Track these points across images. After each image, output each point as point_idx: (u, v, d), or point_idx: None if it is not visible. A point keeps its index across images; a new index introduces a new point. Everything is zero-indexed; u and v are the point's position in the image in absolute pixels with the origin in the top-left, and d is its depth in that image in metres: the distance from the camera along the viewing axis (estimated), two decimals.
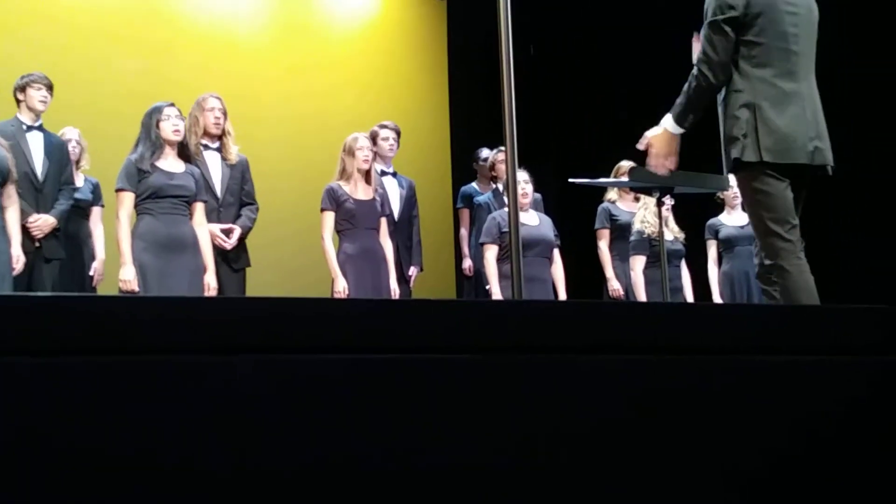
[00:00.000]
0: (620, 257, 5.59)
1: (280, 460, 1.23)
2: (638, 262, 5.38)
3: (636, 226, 5.40)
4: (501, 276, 5.06)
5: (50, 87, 4.75)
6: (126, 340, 1.20)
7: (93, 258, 5.09)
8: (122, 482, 1.16)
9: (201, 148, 4.70)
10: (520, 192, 4.78)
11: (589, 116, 7.33)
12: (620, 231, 5.61)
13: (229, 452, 1.22)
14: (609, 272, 5.62)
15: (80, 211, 5.03)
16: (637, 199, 5.59)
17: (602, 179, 5.09)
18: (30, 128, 4.67)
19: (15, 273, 4.16)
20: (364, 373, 1.31)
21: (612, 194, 5.77)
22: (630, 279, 5.46)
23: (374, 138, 5.34)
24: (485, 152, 6.07)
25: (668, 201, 5.17)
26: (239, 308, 1.30)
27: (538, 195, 5.48)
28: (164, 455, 1.18)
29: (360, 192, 4.98)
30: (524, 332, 1.42)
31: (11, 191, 4.22)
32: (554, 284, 5.27)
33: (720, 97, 3.19)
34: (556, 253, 5.32)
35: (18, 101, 4.72)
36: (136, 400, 1.19)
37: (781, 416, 1.48)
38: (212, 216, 4.62)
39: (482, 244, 5.24)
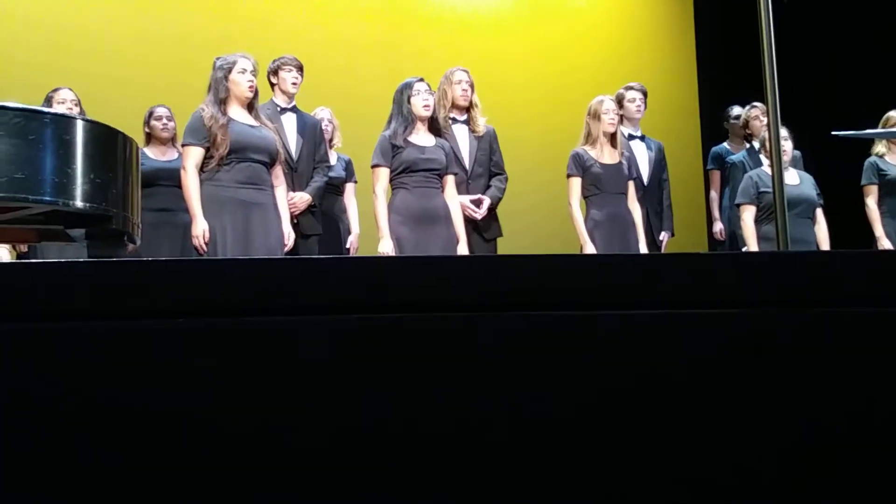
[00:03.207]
0: (891, 214, 5.22)
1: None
2: None
3: None
4: (760, 238, 4.87)
5: (301, 69, 4.91)
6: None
7: (348, 233, 5.26)
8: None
9: (450, 121, 4.77)
10: (783, 148, 4.56)
11: (852, 65, 6.87)
12: (890, 187, 5.24)
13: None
14: (878, 230, 5.25)
15: (333, 188, 5.20)
16: None
17: (869, 131, 4.79)
18: (283, 109, 4.83)
19: (287, 249, 4.35)
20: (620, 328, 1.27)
21: (880, 147, 5.39)
22: None
23: (620, 101, 5.23)
24: (736, 110, 5.83)
25: None
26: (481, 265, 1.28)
27: (798, 152, 5.22)
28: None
29: (606, 156, 4.91)
30: (787, 286, 1.34)
31: (279, 171, 4.41)
32: (818, 245, 5.00)
33: None
34: (819, 212, 5.04)
35: (272, 85, 4.90)
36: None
37: None
38: (461, 188, 4.67)
39: (738, 205, 5.04)
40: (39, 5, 5.90)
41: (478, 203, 4.71)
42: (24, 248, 4.16)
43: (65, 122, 2.53)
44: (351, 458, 1.15)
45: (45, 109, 3.20)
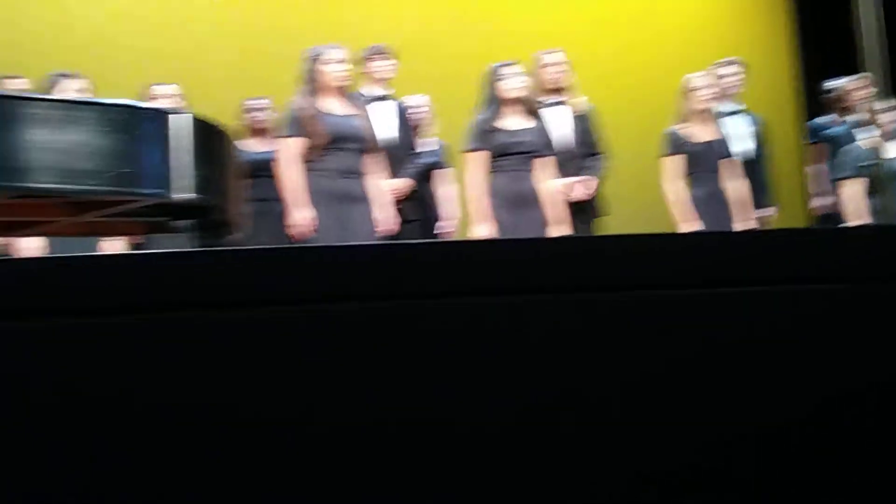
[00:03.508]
0: None
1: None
2: None
3: None
4: (864, 213, 4.75)
5: (393, 56, 4.95)
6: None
7: (441, 218, 5.29)
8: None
9: (544, 103, 4.77)
10: (884, 120, 4.45)
11: None
12: None
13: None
14: None
15: (427, 174, 5.24)
16: None
17: None
18: (377, 97, 4.87)
19: (387, 233, 4.40)
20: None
21: None
22: None
23: (716, 76, 5.15)
24: (836, 83, 5.68)
25: None
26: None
27: None
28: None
29: (700, 134, 4.85)
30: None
31: (374, 159, 4.46)
32: None
33: None
34: None
35: (365, 74, 4.95)
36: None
37: None
38: (560, 169, 4.67)
39: (840, 180, 4.93)
40: (139, 4, 6.07)
41: (577, 184, 4.70)
42: (137, 240, 4.29)
43: (166, 116, 2.60)
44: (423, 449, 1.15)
45: (148, 105, 3.29)
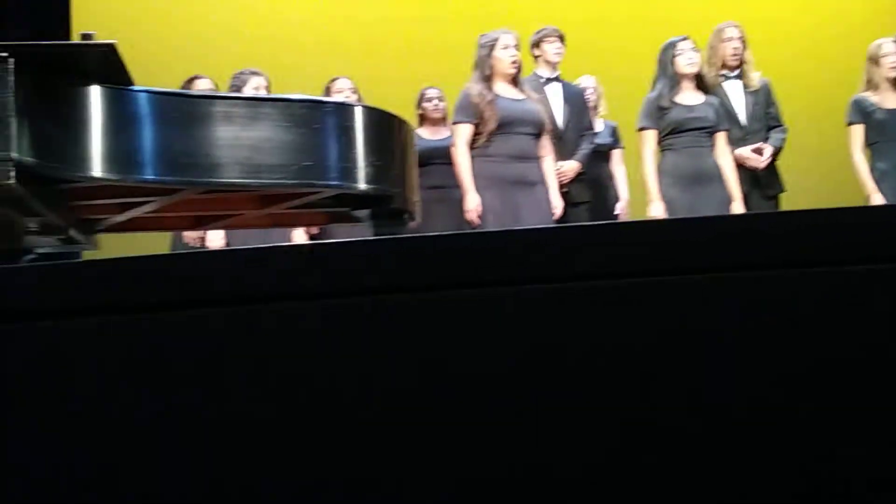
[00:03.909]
0: None
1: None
2: None
3: None
4: None
5: (562, 39, 4.95)
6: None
7: (616, 199, 5.25)
8: None
9: (721, 79, 4.68)
10: None
11: None
12: None
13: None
14: None
15: (600, 155, 5.20)
16: None
17: None
18: (548, 80, 4.88)
19: (556, 218, 4.42)
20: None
21: None
22: None
23: None
24: None
25: None
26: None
27: None
28: None
29: (889, 101, 4.66)
30: None
31: (546, 142, 4.49)
32: None
33: None
34: None
35: (536, 57, 4.96)
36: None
37: None
38: (739, 145, 4.58)
39: None
40: (313, 3, 6.28)
41: (759, 152, 4.60)
42: (315, 230, 4.45)
43: (345, 109, 2.68)
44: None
45: (327, 99, 3.41)
